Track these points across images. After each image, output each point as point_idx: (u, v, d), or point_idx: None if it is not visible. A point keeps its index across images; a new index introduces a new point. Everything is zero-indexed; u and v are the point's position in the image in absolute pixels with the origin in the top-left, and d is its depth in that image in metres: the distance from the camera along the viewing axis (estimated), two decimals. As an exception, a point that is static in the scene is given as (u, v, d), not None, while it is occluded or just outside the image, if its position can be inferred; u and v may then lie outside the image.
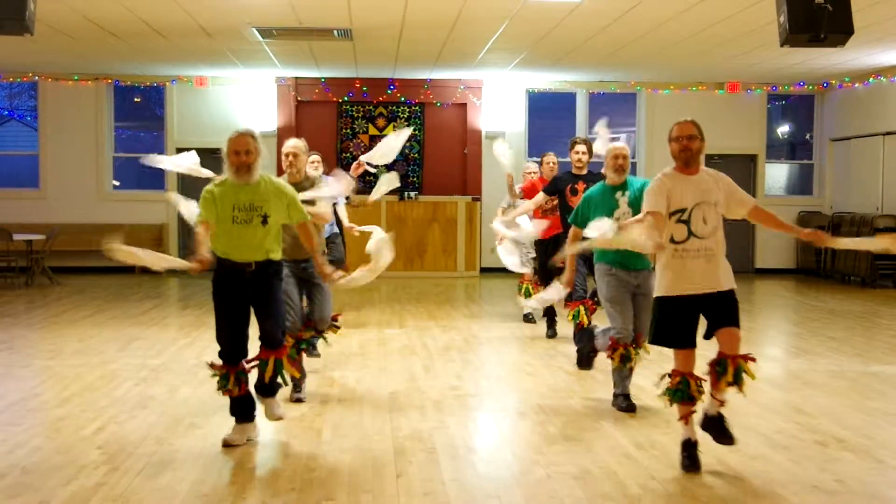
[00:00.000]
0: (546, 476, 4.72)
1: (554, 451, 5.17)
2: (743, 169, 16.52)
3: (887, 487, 4.72)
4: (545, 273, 8.61)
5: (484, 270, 15.37)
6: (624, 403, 6.14)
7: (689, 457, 4.84)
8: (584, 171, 7.75)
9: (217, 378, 5.28)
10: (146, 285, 13.77)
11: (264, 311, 5.27)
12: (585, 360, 7.41)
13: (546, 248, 8.64)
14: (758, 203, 5.03)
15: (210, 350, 8.12)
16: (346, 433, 5.52)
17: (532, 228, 8.46)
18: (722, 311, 4.88)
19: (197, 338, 8.93)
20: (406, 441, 5.35)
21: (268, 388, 5.42)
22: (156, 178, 15.95)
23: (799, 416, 6.05)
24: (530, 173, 9.90)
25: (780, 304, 12.69)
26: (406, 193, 15.50)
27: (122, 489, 4.45)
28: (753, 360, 4.88)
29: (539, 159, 9.90)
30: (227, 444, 5.21)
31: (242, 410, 5.30)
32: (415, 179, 16.13)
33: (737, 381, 4.79)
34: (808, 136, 16.91)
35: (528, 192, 9.07)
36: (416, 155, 16.17)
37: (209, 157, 17.80)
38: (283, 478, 4.66)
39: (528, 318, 10.17)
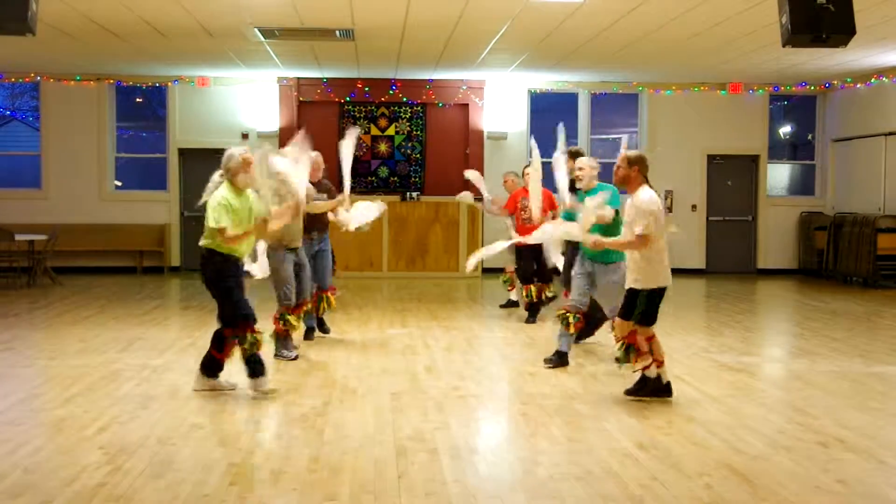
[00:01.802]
0: (548, 476, 4.72)
1: (556, 452, 5.17)
2: (745, 169, 16.53)
3: (889, 488, 4.72)
4: (525, 274, 10.10)
5: (486, 271, 15.35)
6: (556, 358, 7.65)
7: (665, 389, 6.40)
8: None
9: (248, 342, 6.35)
10: (148, 286, 13.78)
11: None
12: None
13: (522, 253, 9.88)
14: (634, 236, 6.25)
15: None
16: (348, 433, 5.52)
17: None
18: (624, 303, 6.40)
19: (199, 338, 8.93)
20: (408, 441, 5.35)
21: (256, 369, 6.44)
22: (157, 179, 15.98)
23: (801, 416, 6.05)
24: (508, 182, 11.07)
25: (782, 305, 12.69)
26: (408, 194, 15.51)
27: (124, 489, 4.45)
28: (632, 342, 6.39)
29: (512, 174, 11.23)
30: (269, 391, 6.45)
31: (261, 367, 6.45)
32: (417, 180, 16.14)
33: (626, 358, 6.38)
34: (810, 137, 16.90)
35: (510, 204, 10.31)
36: (418, 155, 16.17)
37: (212, 157, 17.82)
38: (284, 478, 4.66)
39: (506, 305, 11.34)
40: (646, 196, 6.20)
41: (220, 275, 6.32)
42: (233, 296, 6.35)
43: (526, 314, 10.26)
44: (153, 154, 16.34)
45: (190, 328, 9.62)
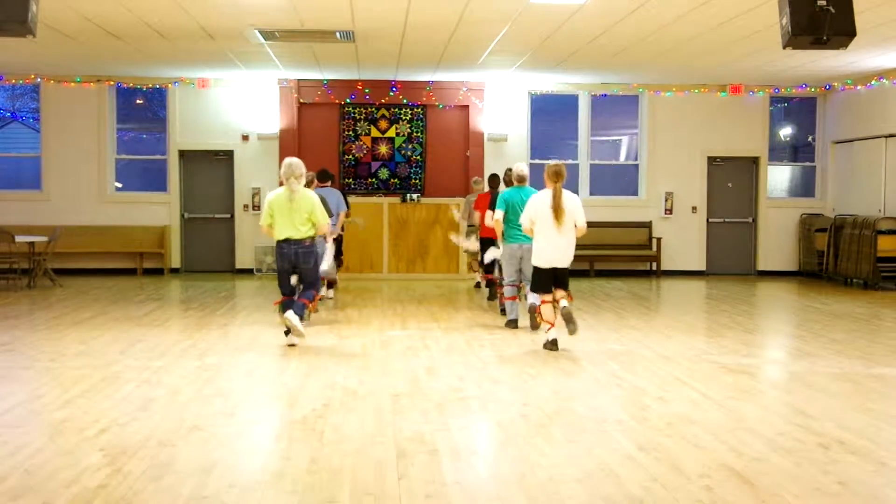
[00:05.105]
0: (548, 478, 4.72)
1: (556, 453, 5.17)
2: (745, 171, 16.54)
3: (889, 489, 4.71)
4: (483, 261, 11.74)
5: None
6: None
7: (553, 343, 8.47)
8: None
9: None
10: (148, 287, 13.78)
11: None
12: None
13: (484, 244, 11.63)
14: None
15: (211, 352, 8.19)
16: (349, 435, 5.52)
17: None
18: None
19: (199, 339, 8.93)
20: (408, 443, 5.34)
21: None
22: (158, 181, 15.99)
23: (801, 418, 6.04)
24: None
25: (783, 307, 12.68)
26: (408, 195, 15.51)
27: (124, 491, 4.45)
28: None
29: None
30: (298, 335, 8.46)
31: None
32: (417, 182, 16.14)
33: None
34: (810, 139, 16.90)
35: (478, 204, 11.74)
36: (419, 157, 16.18)
37: (211, 158, 17.74)
38: (284, 480, 4.66)
39: (479, 286, 12.99)
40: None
41: (318, 258, 9.01)
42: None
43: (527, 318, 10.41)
44: (153, 156, 16.34)
45: (190, 330, 9.62)
